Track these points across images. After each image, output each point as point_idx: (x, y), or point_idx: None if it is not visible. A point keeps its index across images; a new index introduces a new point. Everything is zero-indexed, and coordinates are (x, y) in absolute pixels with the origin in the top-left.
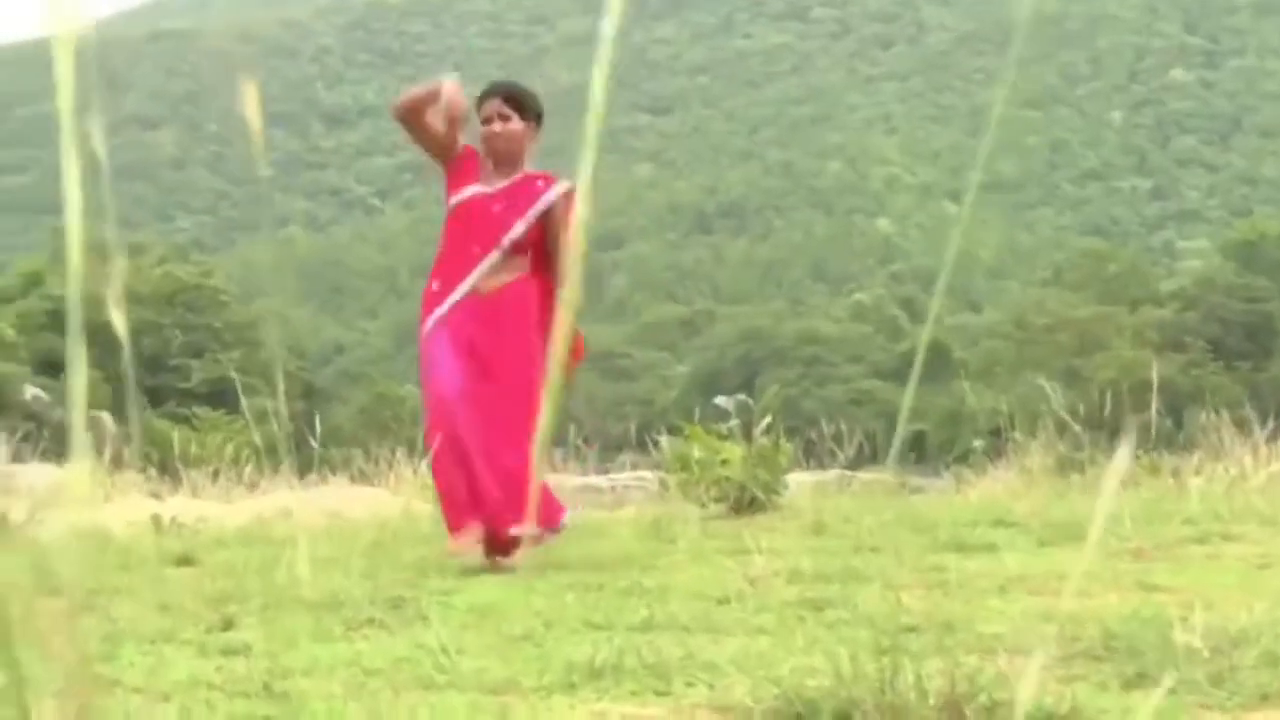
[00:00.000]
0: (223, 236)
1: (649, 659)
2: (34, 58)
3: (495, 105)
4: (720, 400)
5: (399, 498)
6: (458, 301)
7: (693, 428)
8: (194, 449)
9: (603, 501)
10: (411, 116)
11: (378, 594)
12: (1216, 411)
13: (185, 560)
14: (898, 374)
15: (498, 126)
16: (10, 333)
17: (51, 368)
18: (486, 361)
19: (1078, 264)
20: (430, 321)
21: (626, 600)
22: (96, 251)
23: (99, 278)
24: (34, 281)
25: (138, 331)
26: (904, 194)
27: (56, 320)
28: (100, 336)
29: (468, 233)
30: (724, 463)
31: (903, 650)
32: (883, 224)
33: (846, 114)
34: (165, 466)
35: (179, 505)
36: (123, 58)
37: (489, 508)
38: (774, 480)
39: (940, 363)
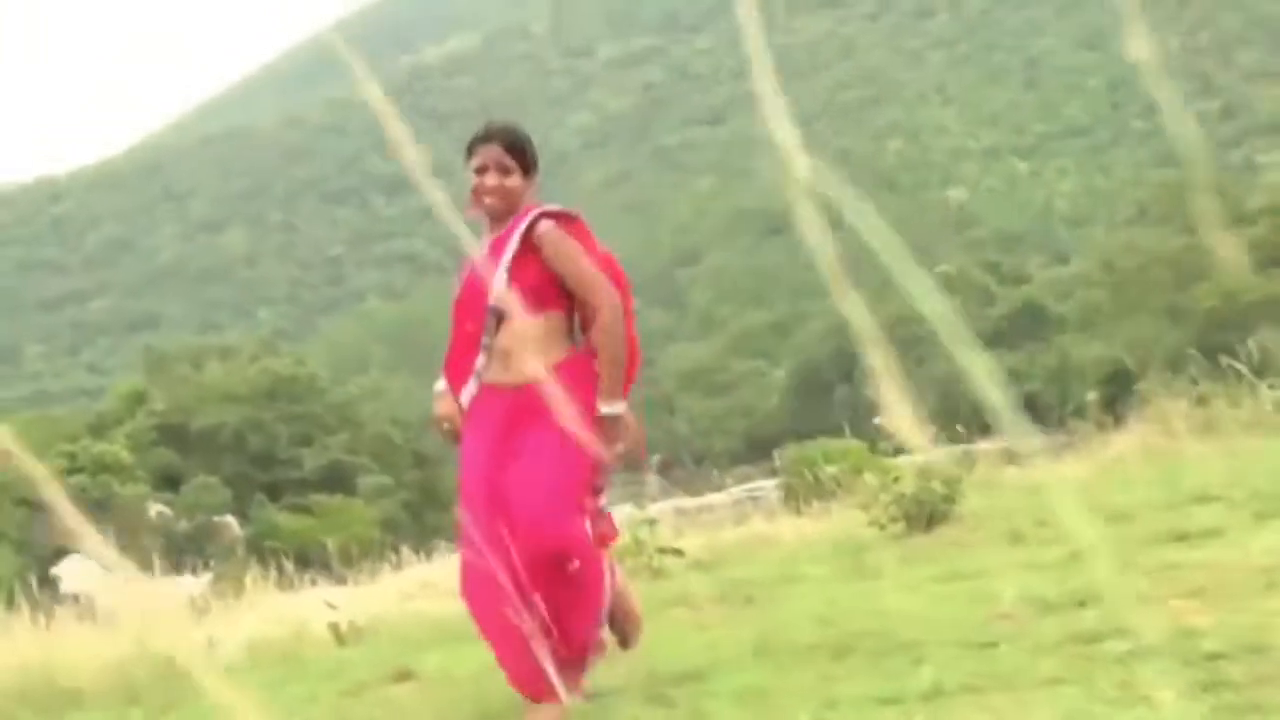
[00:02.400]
0: (305, 323)
1: None
2: (99, 180)
3: (493, 153)
4: (879, 420)
5: None
6: (474, 397)
7: (855, 451)
8: (320, 536)
9: (725, 518)
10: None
11: (651, 688)
12: None
13: (403, 675)
14: (998, 338)
15: (492, 180)
16: (124, 455)
17: (169, 481)
18: (521, 454)
19: (1160, 197)
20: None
21: (886, 661)
22: (191, 362)
23: (198, 386)
24: (136, 401)
25: (244, 430)
26: (969, 160)
27: (166, 434)
28: (209, 443)
29: (460, 315)
30: (896, 480)
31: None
32: (954, 193)
33: (898, 91)
34: (300, 557)
35: (327, 596)
36: (179, 167)
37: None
38: (951, 490)
39: (1037, 320)
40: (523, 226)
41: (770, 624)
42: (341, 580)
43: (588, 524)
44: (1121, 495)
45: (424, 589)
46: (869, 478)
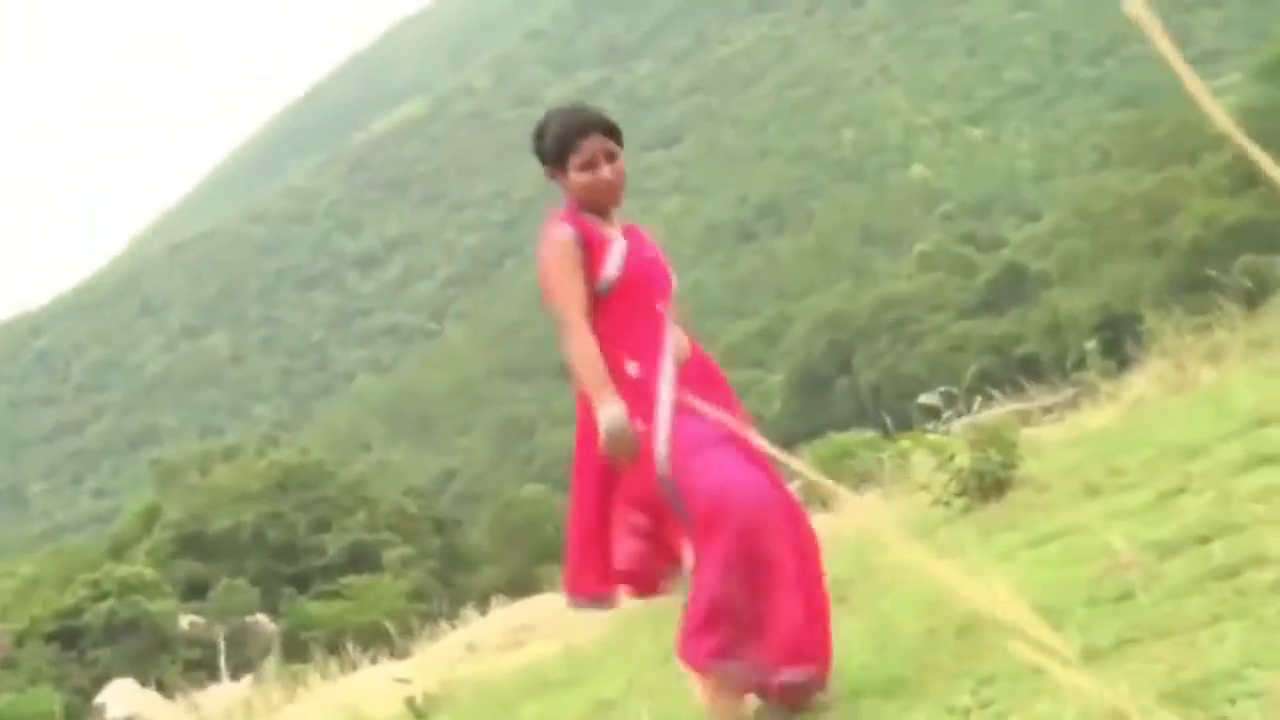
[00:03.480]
0: (301, 411)
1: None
2: (76, 307)
3: (599, 143)
4: (924, 398)
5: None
6: (675, 377)
7: (910, 434)
8: (353, 618)
9: None
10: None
11: None
12: None
13: None
14: (985, 306)
15: (609, 172)
16: (148, 573)
17: (196, 590)
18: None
19: (1121, 139)
20: (664, 415)
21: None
22: (198, 468)
23: (209, 491)
24: (151, 516)
25: (262, 527)
26: (925, 136)
27: (186, 544)
28: (230, 545)
29: (647, 293)
30: (951, 457)
31: None
32: (916, 171)
33: (843, 80)
34: (333, 646)
35: (379, 675)
36: (153, 280)
37: (768, 644)
38: (1008, 456)
39: (1021, 280)
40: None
41: (874, 618)
42: (380, 658)
43: None
44: (1177, 432)
45: (470, 651)
46: (920, 457)
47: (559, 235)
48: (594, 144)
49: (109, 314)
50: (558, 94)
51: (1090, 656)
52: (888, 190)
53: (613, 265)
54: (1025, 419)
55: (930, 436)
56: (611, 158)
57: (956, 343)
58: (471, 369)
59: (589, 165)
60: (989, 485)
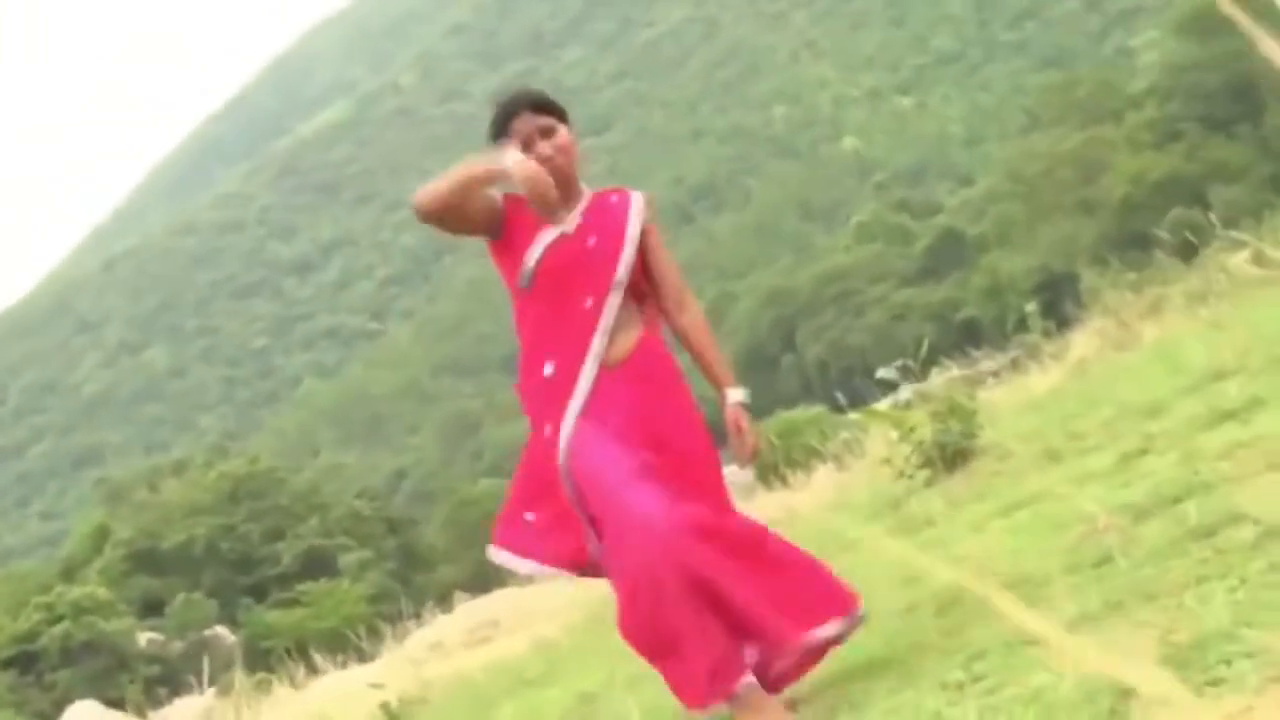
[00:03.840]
0: (248, 420)
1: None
2: (11, 329)
3: (530, 122)
4: (882, 372)
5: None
6: (593, 381)
7: (869, 411)
8: (313, 624)
9: None
10: (451, 212)
11: None
12: (1236, 180)
13: None
14: (925, 273)
15: (547, 148)
16: (101, 593)
17: (153, 607)
18: (666, 444)
19: (1047, 101)
20: (568, 420)
21: (1001, 603)
22: (147, 485)
23: (160, 507)
24: (101, 536)
25: (215, 539)
26: (855, 108)
27: (139, 562)
28: (184, 559)
29: (567, 286)
30: (912, 430)
31: None
32: (848, 143)
33: (770, 57)
34: (297, 651)
35: (345, 681)
36: (87, 298)
37: (767, 630)
38: (968, 425)
39: (959, 245)
40: (639, 207)
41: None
42: (346, 663)
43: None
44: (1133, 391)
45: (433, 650)
46: (879, 431)
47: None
48: (524, 124)
49: (45, 335)
50: (484, 87)
51: (1079, 621)
52: (821, 164)
53: (531, 256)
54: (972, 383)
55: (890, 410)
56: (548, 133)
57: (899, 312)
58: (417, 367)
59: (525, 147)
60: (951, 455)
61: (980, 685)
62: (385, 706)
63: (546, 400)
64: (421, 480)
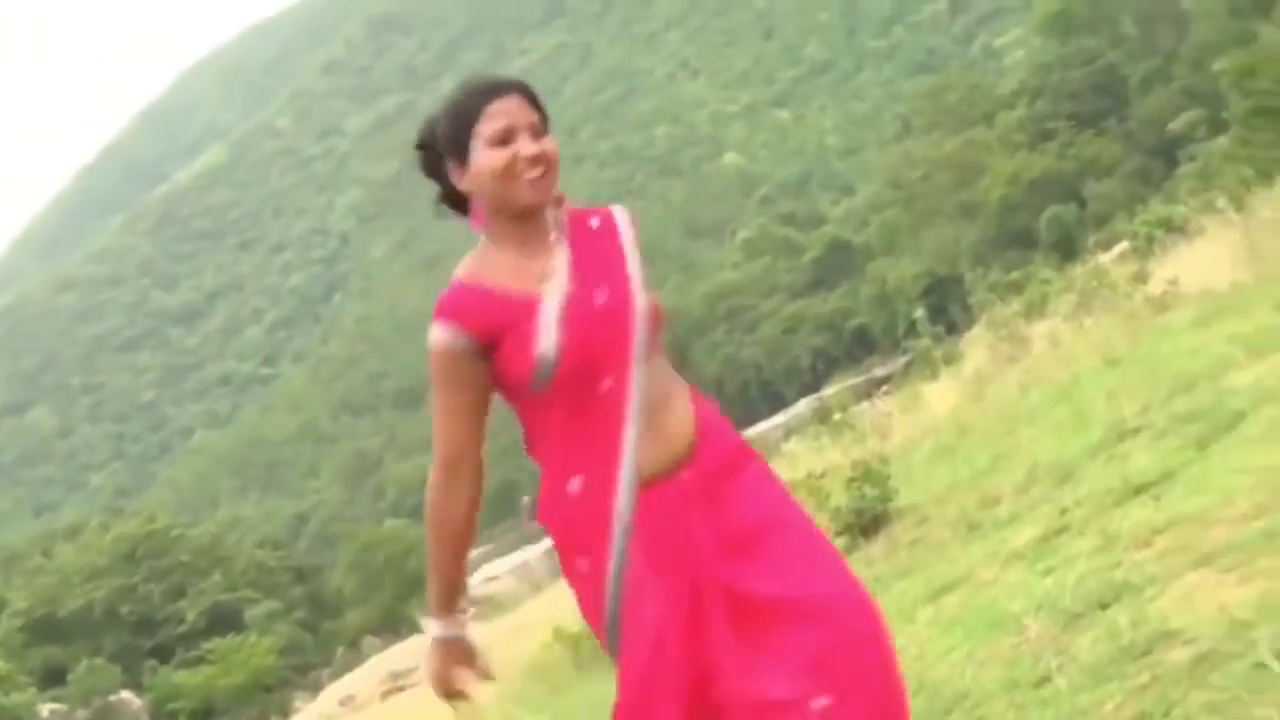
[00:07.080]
0: (141, 475)
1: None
2: None
3: (524, 111)
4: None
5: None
6: (635, 504)
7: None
8: (222, 682)
9: None
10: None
11: None
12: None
13: None
14: (815, 284)
15: (532, 147)
16: (1, 665)
17: (54, 676)
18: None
19: (919, 107)
20: (612, 567)
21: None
22: (40, 551)
23: (55, 573)
24: None
25: (115, 602)
26: (734, 124)
27: (37, 631)
28: (83, 625)
29: (595, 369)
30: (827, 497)
31: None
32: (730, 159)
33: (646, 78)
34: (204, 713)
35: None
36: None
37: None
38: (883, 490)
39: (845, 255)
40: (626, 223)
41: None
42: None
43: None
44: (1040, 443)
45: (345, 706)
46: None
47: (436, 340)
48: (517, 109)
49: None
50: (360, 124)
51: None
52: (704, 181)
53: (546, 342)
54: (866, 391)
55: (805, 479)
56: (537, 131)
57: (791, 324)
58: (313, 409)
59: (504, 138)
60: (869, 521)
61: None
62: None
63: (574, 523)
64: (324, 523)
